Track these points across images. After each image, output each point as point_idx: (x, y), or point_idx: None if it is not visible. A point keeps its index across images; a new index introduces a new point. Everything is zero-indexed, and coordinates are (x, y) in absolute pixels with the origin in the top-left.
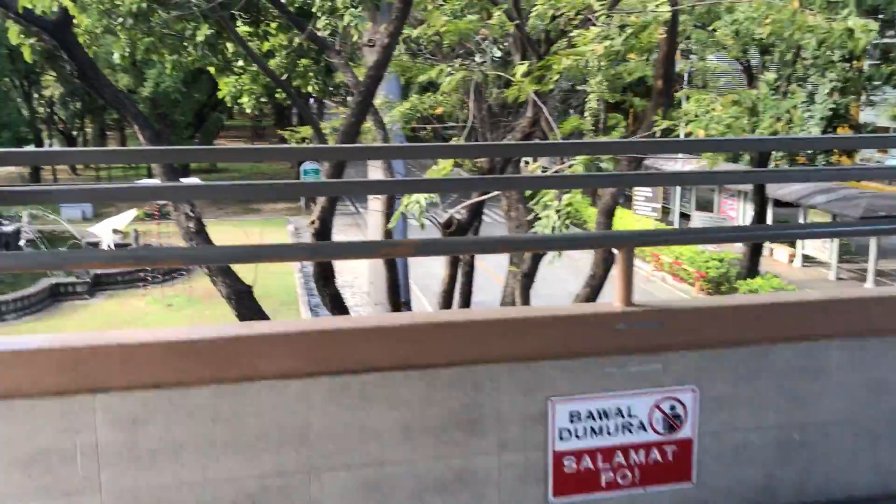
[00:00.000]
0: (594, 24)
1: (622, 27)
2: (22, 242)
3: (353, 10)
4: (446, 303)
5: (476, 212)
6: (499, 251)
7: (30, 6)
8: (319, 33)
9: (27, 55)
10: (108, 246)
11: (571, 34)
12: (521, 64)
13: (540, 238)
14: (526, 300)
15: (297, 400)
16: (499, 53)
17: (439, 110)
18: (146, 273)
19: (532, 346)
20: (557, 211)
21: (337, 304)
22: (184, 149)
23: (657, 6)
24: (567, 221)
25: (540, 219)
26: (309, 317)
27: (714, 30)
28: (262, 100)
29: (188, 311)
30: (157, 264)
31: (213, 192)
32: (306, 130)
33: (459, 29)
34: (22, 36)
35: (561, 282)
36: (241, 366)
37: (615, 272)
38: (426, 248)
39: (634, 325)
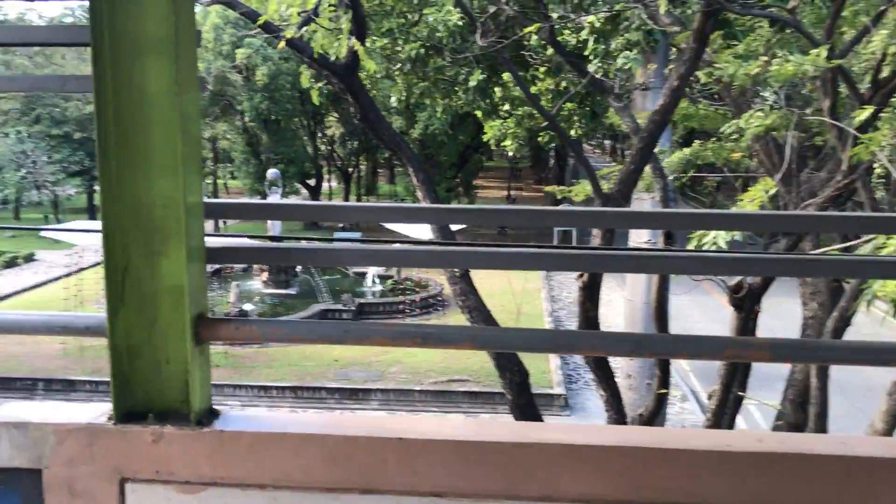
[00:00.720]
0: None
1: None
2: (298, 268)
3: (627, 52)
4: (728, 374)
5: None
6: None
7: (322, 52)
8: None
9: (315, 98)
10: (374, 276)
11: None
12: (861, 110)
13: None
14: (823, 382)
15: None
16: (773, 98)
17: (736, 155)
18: (405, 305)
19: None
20: None
21: (601, 366)
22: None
23: None
24: None
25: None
26: (558, 363)
27: None
28: (522, 143)
29: None
30: (447, 346)
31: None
32: (580, 189)
33: (787, 73)
34: (312, 80)
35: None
36: (539, 480)
37: None
38: (785, 352)
39: None
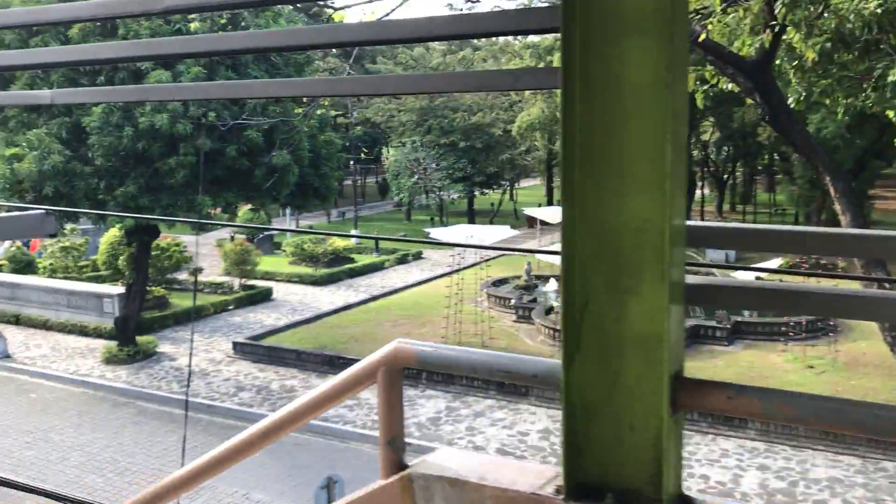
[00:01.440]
0: None
1: None
2: None
3: None
4: None
5: None
6: None
7: (733, 50)
8: None
9: (699, 101)
10: None
11: None
12: None
13: None
14: None
15: None
16: None
17: None
18: (788, 328)
19: None
20: None
21: None
22: None
23: None
24: None
25: None
26: None
27: None
28: None
29: (831, 377)
30: None
31: None
32: None
33: None
34: (698, 83)
35: None
36: None
37: None
38: None
39: None
